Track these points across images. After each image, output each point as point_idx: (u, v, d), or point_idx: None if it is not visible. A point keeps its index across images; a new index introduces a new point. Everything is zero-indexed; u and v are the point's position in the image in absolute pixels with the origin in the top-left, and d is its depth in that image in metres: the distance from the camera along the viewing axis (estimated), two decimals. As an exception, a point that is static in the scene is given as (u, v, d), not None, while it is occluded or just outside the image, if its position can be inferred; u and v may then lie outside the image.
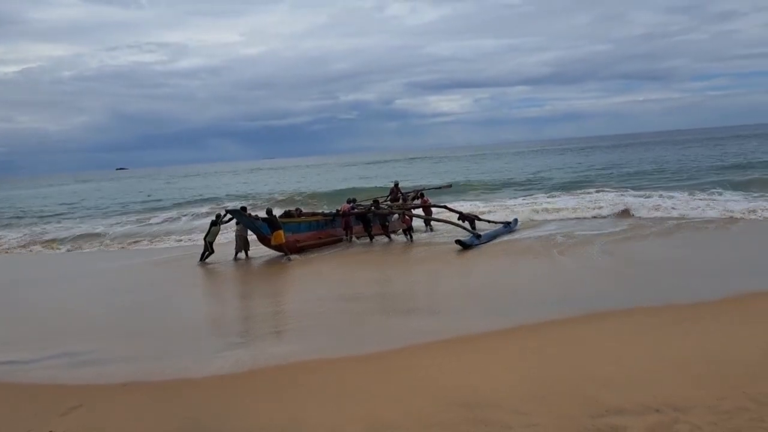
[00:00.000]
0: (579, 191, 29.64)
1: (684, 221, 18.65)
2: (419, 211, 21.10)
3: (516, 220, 20.80)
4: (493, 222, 20.57)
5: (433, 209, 21.73)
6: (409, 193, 24.07)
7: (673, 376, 5.83)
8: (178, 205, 38.98)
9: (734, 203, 21.52)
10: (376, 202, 20.31)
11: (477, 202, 27.39)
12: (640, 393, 5.46)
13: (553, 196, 28.34)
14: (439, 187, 26.43)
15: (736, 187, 27.15)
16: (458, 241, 16.85)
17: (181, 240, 22.91)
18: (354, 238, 19.49)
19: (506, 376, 6.31)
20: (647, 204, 22.44)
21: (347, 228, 19.48)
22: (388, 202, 22.28)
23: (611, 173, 41.91)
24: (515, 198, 29.71)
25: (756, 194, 23.81)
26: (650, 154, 63.01)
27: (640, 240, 15.93)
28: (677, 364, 6.18)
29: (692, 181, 32.15)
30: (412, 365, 6.99)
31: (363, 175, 65.25)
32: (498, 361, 6.88)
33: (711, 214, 19.65)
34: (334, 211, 20.12)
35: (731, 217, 18.76)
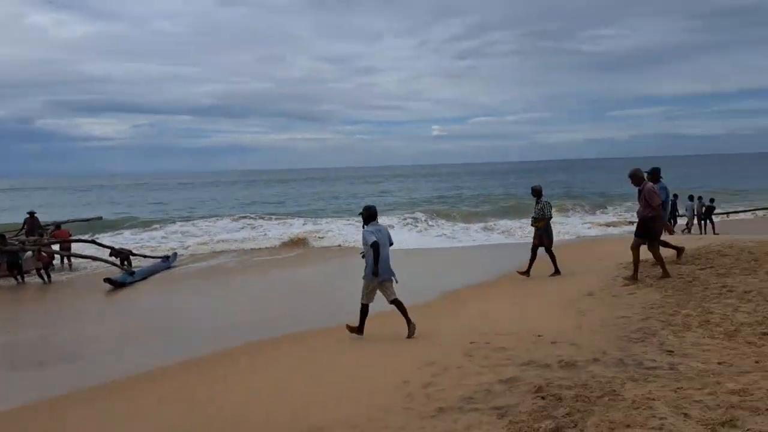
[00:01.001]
0: (245, 221, 30.04)
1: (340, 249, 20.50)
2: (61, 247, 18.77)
3: (175, 254, 20.10)
4: (149, 257, 19.51)
5: (77, 244, 19.60)
6: (48, 226, 21.27)
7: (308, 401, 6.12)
8: None
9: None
10: (2, 237, 17.24)
11: (141, 236, 25.45)
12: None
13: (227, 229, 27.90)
14: (88, 220, 23.99)
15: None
16: (108, 280, 15.41)
17: None
18: None
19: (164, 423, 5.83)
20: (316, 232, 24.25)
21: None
22: (22, 237, 19.31)
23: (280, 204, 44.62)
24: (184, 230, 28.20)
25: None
26: (313, 190, 68.37)
27: (307, 266, 16.90)
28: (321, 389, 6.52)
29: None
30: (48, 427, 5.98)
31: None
32: (158, 407, 6.34)
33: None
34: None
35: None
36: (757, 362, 5.54)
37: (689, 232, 22.02)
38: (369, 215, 8.57)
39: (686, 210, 22.78)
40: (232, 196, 62.83)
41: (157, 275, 17.34)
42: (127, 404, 6.63)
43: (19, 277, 16.47)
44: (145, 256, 19.44)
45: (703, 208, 22.68)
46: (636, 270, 10.52)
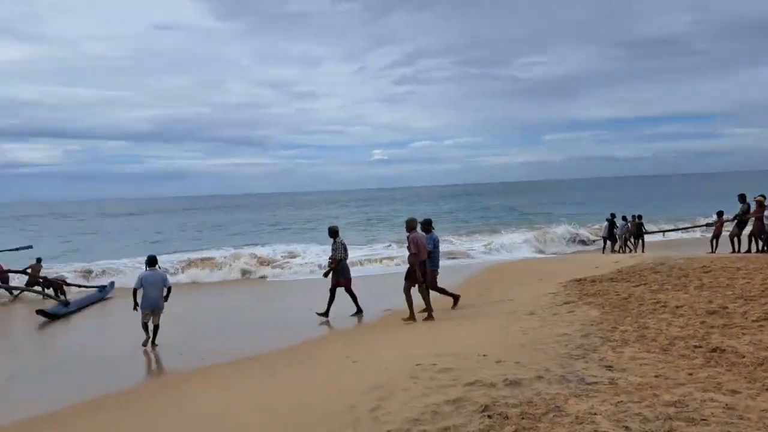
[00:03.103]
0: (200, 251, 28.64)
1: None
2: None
3: (112, 284, 19.38)
4: (84, 287, 18.78)
5: (10, 275, 18.69)
6: (-26, 258, 20.14)
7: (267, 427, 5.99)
8: None
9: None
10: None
11: (76, 264, 24.16)
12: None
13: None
14: (17, 249, 22.85)
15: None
16: (40, 311, 14.69)
17: None
18: None
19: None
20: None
21: None
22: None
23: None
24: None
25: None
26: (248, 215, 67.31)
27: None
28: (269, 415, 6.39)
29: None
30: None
31: None
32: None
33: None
34: None
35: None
36: (690, 374, 5.77)
37: (624, 251, 22.88)
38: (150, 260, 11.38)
39: (620, 229, 23.63)
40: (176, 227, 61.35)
41: (94, 306, 16.70)
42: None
43: None
44: (79, 286, 18.71)
45: (635, 228, 23.57)
46: (411, 311, 11.06)
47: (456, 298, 12.29)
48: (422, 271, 11.00)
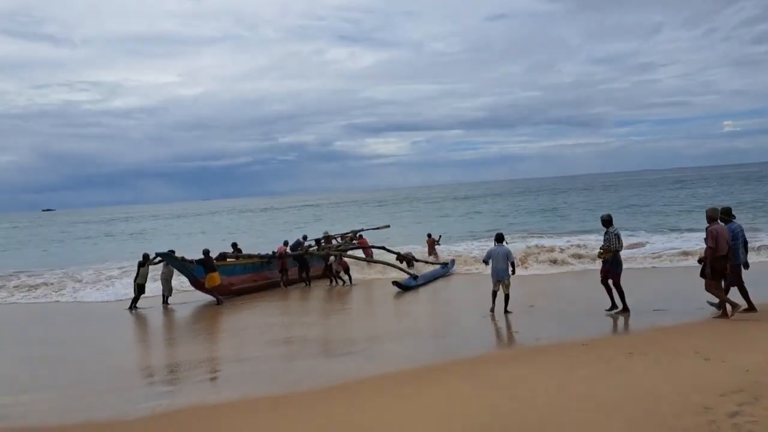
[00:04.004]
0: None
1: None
2: (359, 253, 21.02)
3: (453, 261, 21.01)
4: (430, 263, 20.76)
5: (373, 251, 21.71)
6: (347, 234, 23.94)
7: (603, 417, 5.89)
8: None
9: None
10: (318, 242, 20.18)
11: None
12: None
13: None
14: (378, 228, 26.43)
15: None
16: (395, 283, 16.83)
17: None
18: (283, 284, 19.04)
19: (445, 422, 6.21)
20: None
21: (283, 270, 19.10)
22: (338, 241, 22.22)
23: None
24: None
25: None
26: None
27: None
28: (607, 405, 6.26)
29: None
30: (350, 414, 6.80)
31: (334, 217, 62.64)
32: (436, 406, 6.78)
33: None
34: (271, 252, 19.65)
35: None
36: None
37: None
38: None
39: None
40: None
41: (438, 280, 18.43)
42: (425, 400, 7.10)
43: (307, 280, 19.07)
44: (426, 262, 20.75)
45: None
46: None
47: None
48: (722, 266, 10.14)
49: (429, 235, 23.18)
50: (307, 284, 19.05)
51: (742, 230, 10.71)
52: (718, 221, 10.33)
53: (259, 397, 7.67)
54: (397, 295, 16.08)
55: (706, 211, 10.53)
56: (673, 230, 27.81)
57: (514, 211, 53.65)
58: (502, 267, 12.10)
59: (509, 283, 12.19)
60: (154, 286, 17.71)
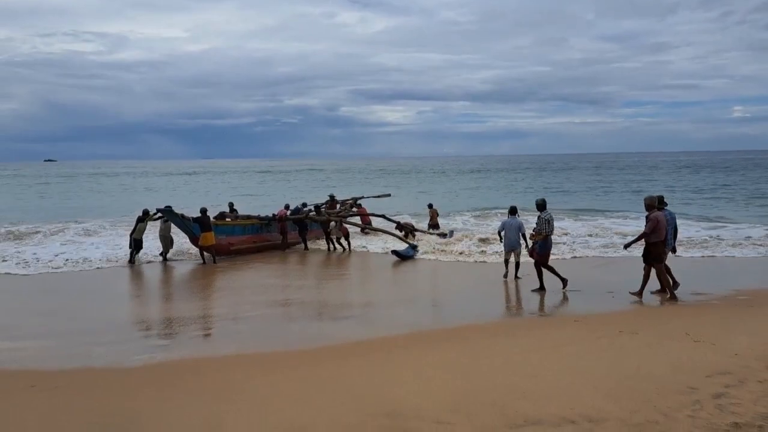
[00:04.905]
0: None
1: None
2: (358, 221, 21.09)
3: (452, 231, 21.04)
4: (429, 232, 20.80)
5: (372, 219, 21.75)
6: (347, 201, 23.96)
7: (589, 390, 5.99)
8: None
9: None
10: (317, 207, 20.22)
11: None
12: (556, 405, 5.59)
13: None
14: (378, 197, 26.43)
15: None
16: (394, 252, 16.90)
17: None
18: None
19: (429, 386, 6.33)
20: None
21: (283, 233, 19.18)
22: (341, 207, 22.23)
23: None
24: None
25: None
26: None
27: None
28: (592, 379, 6.36)
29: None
30: (339, 374, 6.94)
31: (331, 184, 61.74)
32: (423, 371, 6.90)
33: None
34: (270, 215, 19.71)
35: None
36: None
37: None
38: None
39: None
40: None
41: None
42: (417, 366, 7.22)
43: (305, 243, 19.18)
44: (424, 232, 20.79)
45: None
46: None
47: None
48: (660, 250, 10.79)
49: (430, 206, 23.13)
50: (306, 249, 19.13)
51: (673, 217, 11.55)
52: (656, 209, 10.91)
53: (252, 353, 7.90)
54: (396, 264, 16.17)
55: (645, 200, 11.21)
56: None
57: (523, 189, 53.14)
58: (514, 237, 12.97)
59: (521, 252, 13.02)
60: (150, 244, 17.78)
